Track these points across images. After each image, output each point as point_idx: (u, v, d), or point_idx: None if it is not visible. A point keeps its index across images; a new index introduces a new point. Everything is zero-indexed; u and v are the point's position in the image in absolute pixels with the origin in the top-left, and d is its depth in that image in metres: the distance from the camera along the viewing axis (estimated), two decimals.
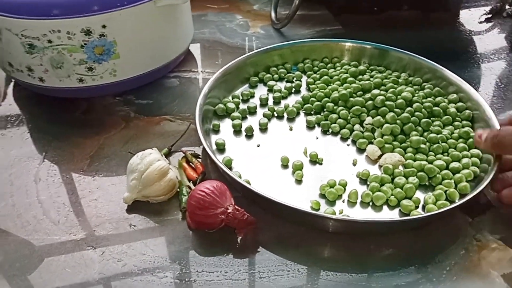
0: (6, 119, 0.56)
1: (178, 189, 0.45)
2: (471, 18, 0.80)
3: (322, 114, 0.55)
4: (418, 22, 0.78)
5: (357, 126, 0.53)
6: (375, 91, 0.54)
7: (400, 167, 0.48)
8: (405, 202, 0.44)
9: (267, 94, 0.59)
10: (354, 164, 0.49)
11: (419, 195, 0.46)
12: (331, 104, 0.55)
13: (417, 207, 0.44)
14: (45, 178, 0.48)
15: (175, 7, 0.58)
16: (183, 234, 0.43)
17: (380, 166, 0.49)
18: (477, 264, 0.41)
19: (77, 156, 0.51)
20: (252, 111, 0.56)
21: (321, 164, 0.49)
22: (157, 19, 0.56)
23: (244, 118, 0.55)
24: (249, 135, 0.53)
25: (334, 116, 0.54)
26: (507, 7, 0.81)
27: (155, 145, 0.51)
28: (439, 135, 0.50)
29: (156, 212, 0.44)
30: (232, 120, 0.54)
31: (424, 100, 0.54)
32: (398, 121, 0.51)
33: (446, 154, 0.49)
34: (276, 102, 0.58)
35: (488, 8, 0.81)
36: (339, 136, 0.53)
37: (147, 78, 0.59)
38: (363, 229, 0.43)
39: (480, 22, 0.79)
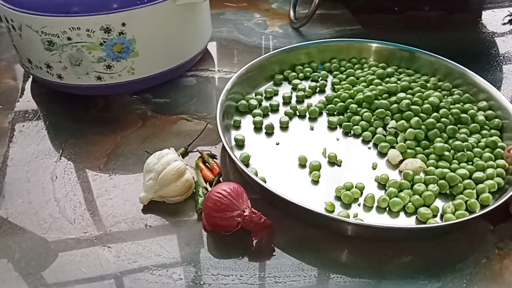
0: (24, 116, 0.56)
1: (195, 190, 0.45)
2: (494, 19, 0.78)
3: (345, 115, 0.54)
4: (440, 23, 0.77)
5: (379, 130, 0.52)
6: (401, 95, 0.53)
7: (421, 174, 0.47)
8: (422, 209, 0.43)
9: (291, 93, 0.58)
10: (374, 168, 0.48)
11: (438, 203, 0.45)
12: (354, 106, 0.54)
13: (435, 216, 0.43)
14: (61, 175, 0.48)
15: (194, 5, 0.58)
16: (199, 236, 0.42)
17: (400, 172, 0.48)
18: (499, 273, 0.40)
19: (94, 154, 0.51)
20: (275, 109, 0.56)
21: (339, 166, 0.49)
22: (176, 17, 0.56)
23: (265, 115, 0.55)
24: (269, 133, 0.53)
25: (357, 118, 0.53)
26: None
27: (172, 144, 0.51)
28: (465, 143, 0.49)
29: (172, 212, 0.44)
30: (254, 117, 0.54)
31: (452, 107, 0.52)
32: (422, 127, 0.50)
33: (470, 163, 0.48)
34: (299, 101, 0.58)
35: (511, 10, 0.79)
36: (360, 138, 0.52)
37: (165, 76, 0.59)
38: (379, 234, 0.42)
39: (504, 24, 0.77)
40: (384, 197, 0.44)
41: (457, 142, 0.49)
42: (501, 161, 0.47)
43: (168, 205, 0.45)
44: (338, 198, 0.45)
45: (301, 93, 0.58)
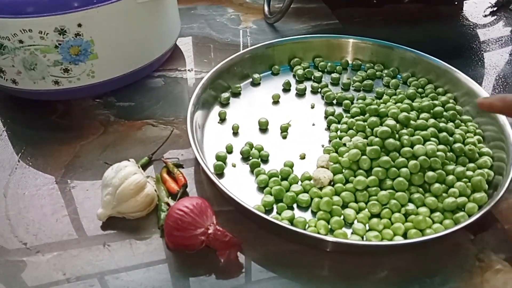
0: None
1: (157, 204, 0.42)
2: (475, 11, 0.76)
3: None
4: (420, 15, 0.74)
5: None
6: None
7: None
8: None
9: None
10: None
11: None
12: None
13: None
14: (15, 190, 0.45)
15: (159, 2, 0.54)
16: (162, 254, 0.39)
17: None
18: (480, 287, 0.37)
19: (52, 165, 0.47)
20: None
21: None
22: (138, 15, 0.53)
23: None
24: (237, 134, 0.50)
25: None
26: None
27: (135, 152, 0.48)
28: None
29: (132, 229, 0.41)
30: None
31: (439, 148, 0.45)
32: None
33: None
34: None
35: (493, 1, 0.76)
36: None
37: (129, 78, 0.56)
38: (353, 249, 0.40)
39: (485, 15, 0.75)
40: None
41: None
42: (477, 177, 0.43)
43: (129, 221, 0.41)
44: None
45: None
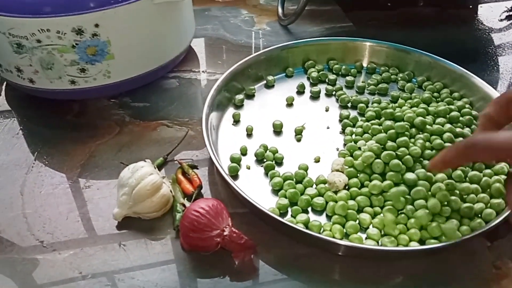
0: None
1: (173, 205, 0.42)
2: (491, 15, 0.75)
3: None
4: (434, 19, 0.74)
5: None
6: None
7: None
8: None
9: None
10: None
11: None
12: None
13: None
14: (31, 189, 0.45)
15: (175, 3, 0.54)
16: (177, 255, 0.39)
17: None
18: None
19: (67, 164, 0.47)
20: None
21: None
22: (155, 17, 0.53)
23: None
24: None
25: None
26: None
27: (150, 153, 0.48)
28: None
29: (148, 229, 0.41)
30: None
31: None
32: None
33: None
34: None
35: (509, 5, 0.76)
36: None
37: (144, 79, 0.56)
38: (368, 254, 0.40)
39: (501, 20, 0.74)
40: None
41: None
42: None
43: (144, 221, 0.42)
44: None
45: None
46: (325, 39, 0.61)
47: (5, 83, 0.58)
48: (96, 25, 0.49)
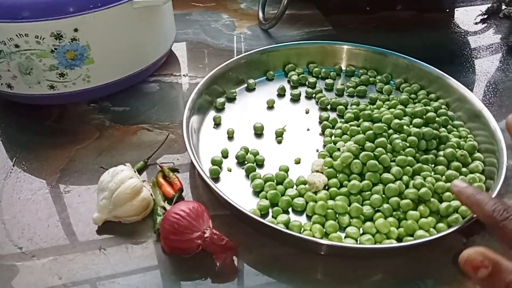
0: None
1: (153, 208, 0.42)
2: (466, 18, 0.77)
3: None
4: (412, 22, 0.75)
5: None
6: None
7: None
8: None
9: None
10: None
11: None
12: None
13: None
14: (10, 195, 0.44)
15: (155, 8, 0.54)
16: (158, 258, 0.39)
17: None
18: None
19: (46, 169, 0.47)
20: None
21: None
22: (134, 21, 0.53)
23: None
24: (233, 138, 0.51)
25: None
26: (503, 7, 0.78)
27: (131, 157, 0.48)
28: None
29: (129, 233, 0.41)
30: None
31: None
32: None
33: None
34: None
35: (484, 8, 0.78)
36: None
37: (124, 83, 0.56)
38: (351, 253, 0.40)
39: (476, 23, 0.76)
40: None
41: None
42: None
43: (125, 225, 0.42)
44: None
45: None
46: (304, 43, 0.62)
47: None
48: (75, 30, 0.48)
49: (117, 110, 0.55)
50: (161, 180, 0.45)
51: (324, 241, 0.39)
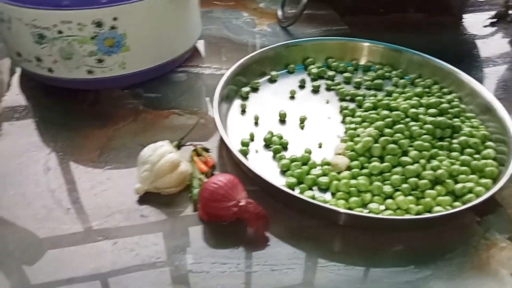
0: (13, 109, 0.56)
1: (189, 182, 0.45)
2: (475, 22, 0.80)
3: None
4: (422, 24, 0.79)
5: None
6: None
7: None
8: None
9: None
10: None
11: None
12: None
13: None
14: (54, 167, 0.48)
15: (184, 2, 0.58)
16: (195, 226, 0.43)
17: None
18: (486, 262, 0.41)
19: (87, 147, 0.50)
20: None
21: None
22: (167, 13, 0.56)
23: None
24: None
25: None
26: (511, 12, 0.81)
27: (164, 138, 0.51)
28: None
29: (167, 204, 0.44)
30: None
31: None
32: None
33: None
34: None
35: (493, 13, 0.82)
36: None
37: (156, 72, 0.59)
38: (370, 224, 0.43)
39: (485, 26, 0.80)
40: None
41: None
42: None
43: (163, 196, 0.45)
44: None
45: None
46: (326, 38, 0.66)
47: (17, 73, 0.61)
48: (115, 19, 0.52)
49: (149, 96, 0.58)
50: (195, 158, 0.48)
51: (349, 211, 0.42)
